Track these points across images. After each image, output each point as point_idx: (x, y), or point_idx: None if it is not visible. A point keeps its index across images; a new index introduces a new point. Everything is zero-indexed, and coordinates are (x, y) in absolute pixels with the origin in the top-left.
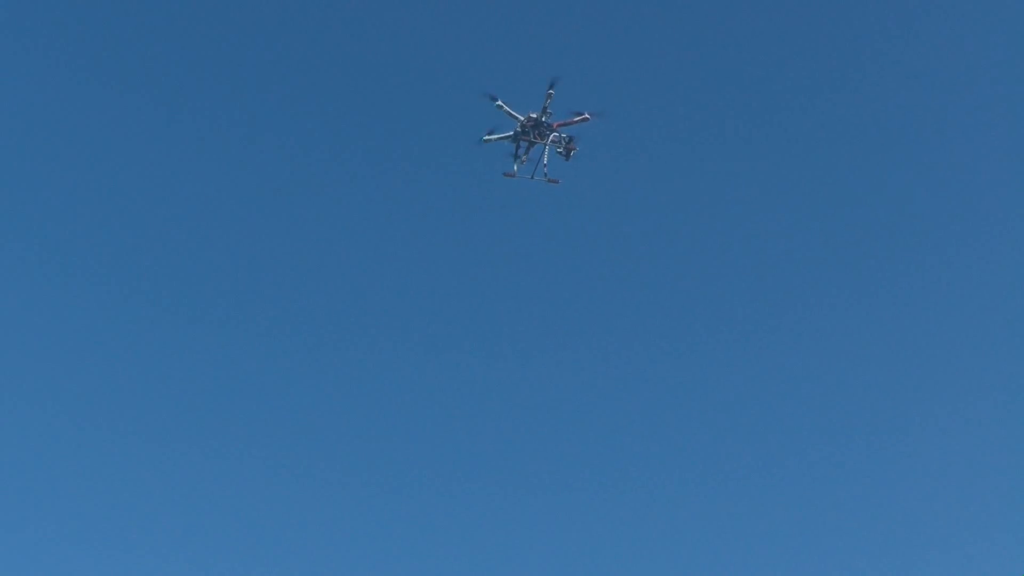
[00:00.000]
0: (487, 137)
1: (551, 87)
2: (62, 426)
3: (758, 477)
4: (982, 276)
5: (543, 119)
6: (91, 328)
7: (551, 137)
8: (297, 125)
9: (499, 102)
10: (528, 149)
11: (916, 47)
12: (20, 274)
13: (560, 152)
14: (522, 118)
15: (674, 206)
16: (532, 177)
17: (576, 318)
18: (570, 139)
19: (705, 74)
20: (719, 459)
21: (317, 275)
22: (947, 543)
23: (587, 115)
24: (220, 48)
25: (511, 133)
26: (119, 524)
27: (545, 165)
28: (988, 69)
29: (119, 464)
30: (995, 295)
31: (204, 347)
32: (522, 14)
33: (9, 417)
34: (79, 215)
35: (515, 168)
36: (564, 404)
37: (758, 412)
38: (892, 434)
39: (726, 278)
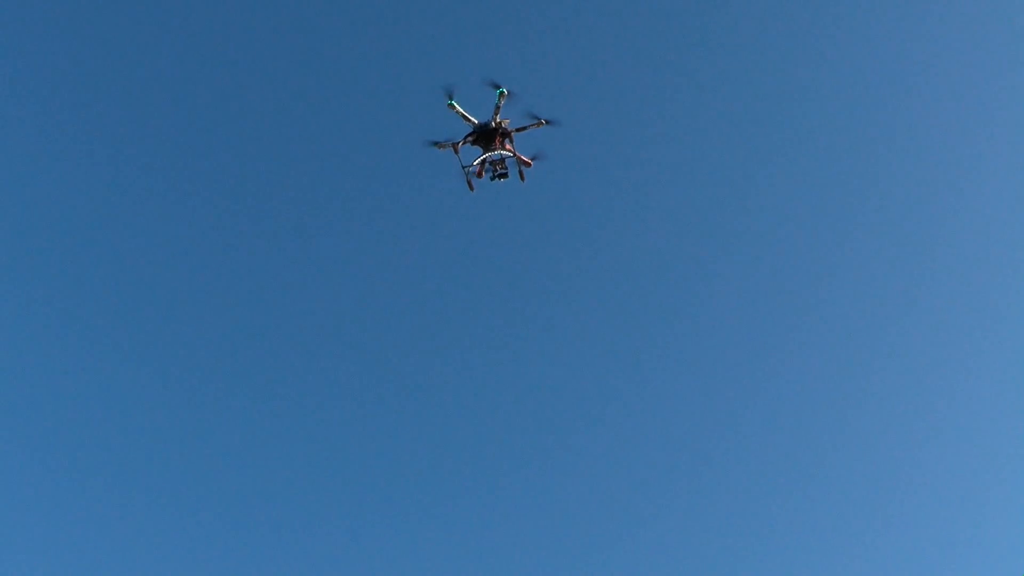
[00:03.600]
0: (436, 142)
1: (500, 88)
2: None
3: (758, 477)
4: (982, 276)
5: (495, 124)
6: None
7: (508, 148)
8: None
9: (452, 102)
10: (481, 156)
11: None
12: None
13: (502, 172)
14: (476, 122)
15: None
16: (493, 177)
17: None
18: (525, 159)
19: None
20: (717, 460)
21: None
22: (947, 543)
23: (543, 120)
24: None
25: (462, 139)
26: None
27: (514, 153)
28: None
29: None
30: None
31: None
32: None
33: None
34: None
35: (469, 180)
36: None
37: (758, 412)
38: (891, 434)
39: (722, 278)
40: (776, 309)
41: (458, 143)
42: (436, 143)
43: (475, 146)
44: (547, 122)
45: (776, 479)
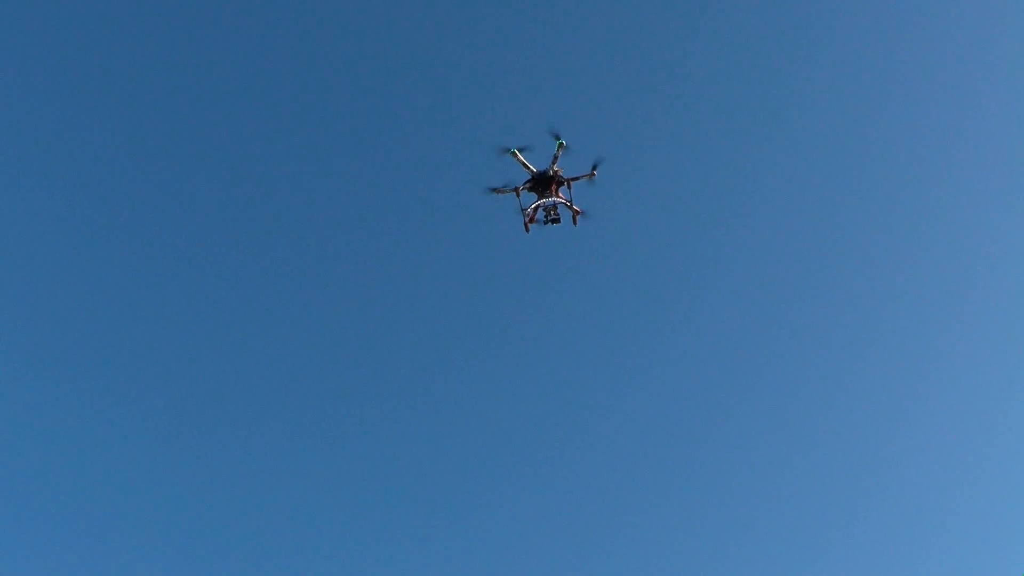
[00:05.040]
0: (495, 188)
1: (560, 139)
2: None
3: (756, 478)
4: (981, 276)
5: (551, 173)
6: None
7: (560, 195)
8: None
9: (514, 150)
10: (537, 202)
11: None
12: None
13: (554, 217)
14: (534, 170)
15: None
16: (546, 222)
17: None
18: (576, 208)
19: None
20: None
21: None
22: (947, 543)
23: (595, 172)
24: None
25: (521, 185)
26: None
27: (568, 202)
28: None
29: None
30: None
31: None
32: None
33: None
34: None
35: (527, 222)
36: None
37: (757, 412)
38: (892, 433)
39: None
40: (774, 309)
41: (519, 188)
42: (495, 189)
43: (531, 192)
44: (595, 170)
45: (776, 478)
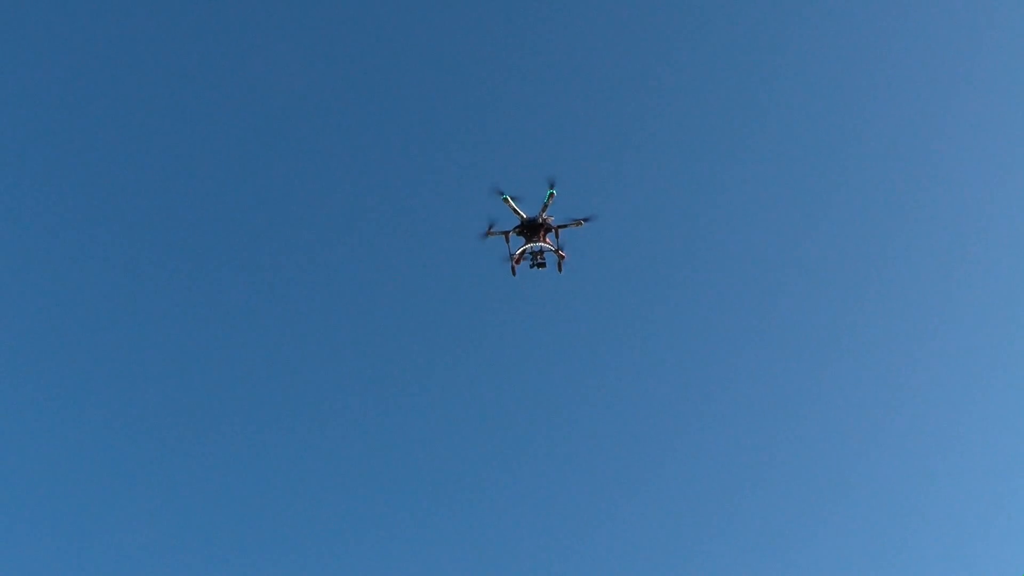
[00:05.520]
0: (489, 231)
1: (552, 187)
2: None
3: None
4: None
5: (540, 220)
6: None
7: (547, 241)
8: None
9: (506, 196)
10: (524, 247)
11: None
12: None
13: (540, 262)
14: (524, 216)
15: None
16: (532, 266)
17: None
18: (562, 254)
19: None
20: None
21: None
22: (947, 543)
23: (582, 221)
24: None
25: (511, 229)
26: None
27: (554, 248)
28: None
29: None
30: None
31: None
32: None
33: None
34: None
35: (513, 265)
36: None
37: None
38: (891, 433)
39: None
40: (773, 311)
41: (508, 232)
42: (487, 230)
43: (519, 236)
44: (585, 221)
45: (776, 478)
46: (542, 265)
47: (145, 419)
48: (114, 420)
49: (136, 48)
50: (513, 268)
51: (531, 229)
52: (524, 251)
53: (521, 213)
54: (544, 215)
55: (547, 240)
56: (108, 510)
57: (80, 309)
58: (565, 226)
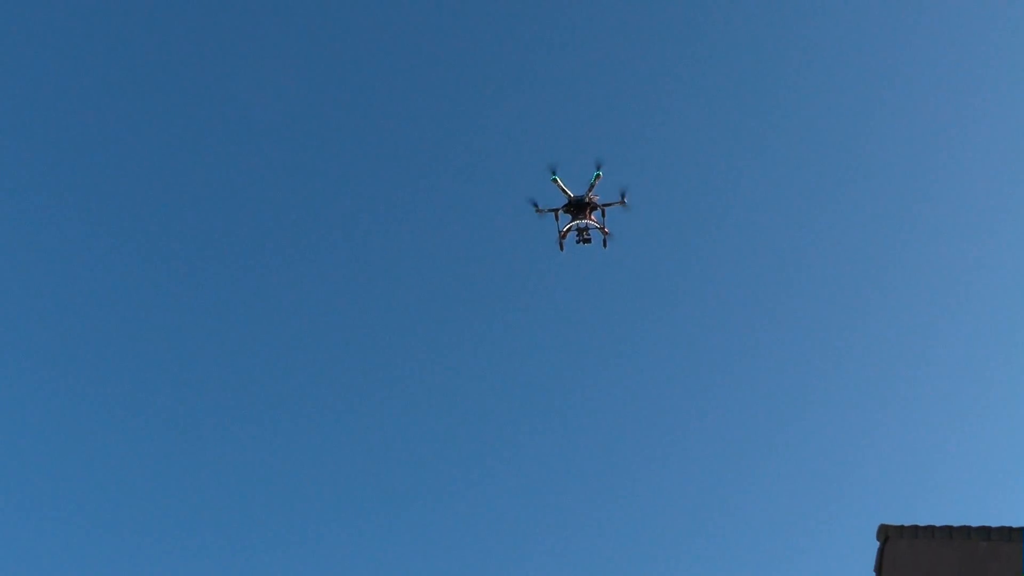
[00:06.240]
0: (537, 208)
1: (599, 168)
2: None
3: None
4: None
5: (587, 199)
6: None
7: (593, 218)
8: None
9: (555, 177)
10: (571, 223)
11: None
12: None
13: (586, 238)
14: (572, 195)
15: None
16: (578, 242)
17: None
18: (607, 231)
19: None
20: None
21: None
22: None
23: (624, 200)
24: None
25: (559, 208)
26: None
27: (600, 225)
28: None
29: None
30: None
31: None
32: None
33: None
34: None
35: (561, 242)
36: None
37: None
38: (890, 433)
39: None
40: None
41: (557, 210)
42: (537, 208)
43: (566, 214)
44: (625, 201)
45: (775, 478)
46: (587, 241)
47: (145, 419)
48: (114, 420)
49: (136, 48)
50: (561, 243)
51: (578, 207)
52: (571, 227)
53: (569, 192)
54: (591, 195)
55: (592, 218)
56: (108, 510)
57: (80, 309)
58: (610, 204)
